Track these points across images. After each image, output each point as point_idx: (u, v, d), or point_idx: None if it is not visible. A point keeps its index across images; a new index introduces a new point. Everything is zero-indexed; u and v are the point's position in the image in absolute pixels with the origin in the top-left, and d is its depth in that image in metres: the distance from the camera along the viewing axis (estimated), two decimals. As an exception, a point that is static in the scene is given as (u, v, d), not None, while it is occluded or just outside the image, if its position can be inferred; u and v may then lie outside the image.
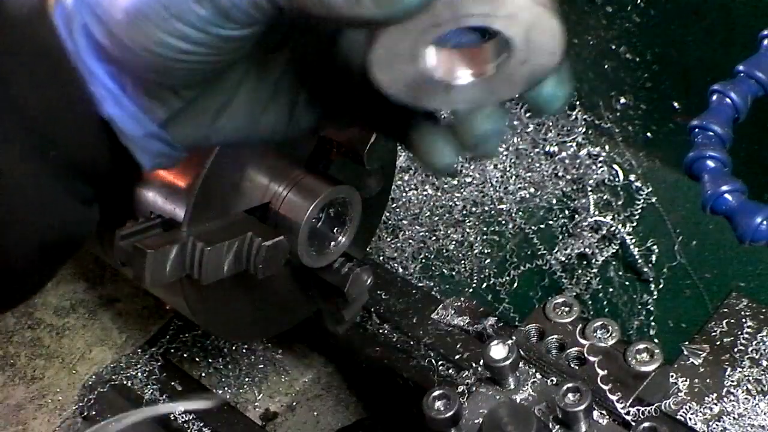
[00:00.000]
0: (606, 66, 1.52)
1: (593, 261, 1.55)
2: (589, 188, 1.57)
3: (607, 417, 0.85)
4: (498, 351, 0.85)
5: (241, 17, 0.62)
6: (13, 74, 0.66)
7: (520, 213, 1.58)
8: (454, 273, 1.50)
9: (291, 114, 0.76)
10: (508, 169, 1.58)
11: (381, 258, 1.45)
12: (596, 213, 1.57)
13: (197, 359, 1.41)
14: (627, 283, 1.56)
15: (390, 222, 1.49)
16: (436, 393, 0.84)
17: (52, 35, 0.66)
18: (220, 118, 0.72)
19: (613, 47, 1.50)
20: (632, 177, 1.56)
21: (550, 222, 1.60)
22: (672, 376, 0.89)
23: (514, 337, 0.89)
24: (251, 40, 0.65)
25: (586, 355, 0.86)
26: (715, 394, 0.89)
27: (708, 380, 0.89)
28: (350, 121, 0.80)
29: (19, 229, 0.70)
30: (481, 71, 0.65)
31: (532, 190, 1.60)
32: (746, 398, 0.88)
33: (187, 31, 0.63)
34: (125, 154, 0.70)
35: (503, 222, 1.55)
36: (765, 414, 0.87)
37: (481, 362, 0.89)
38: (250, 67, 0.72)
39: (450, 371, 1.19)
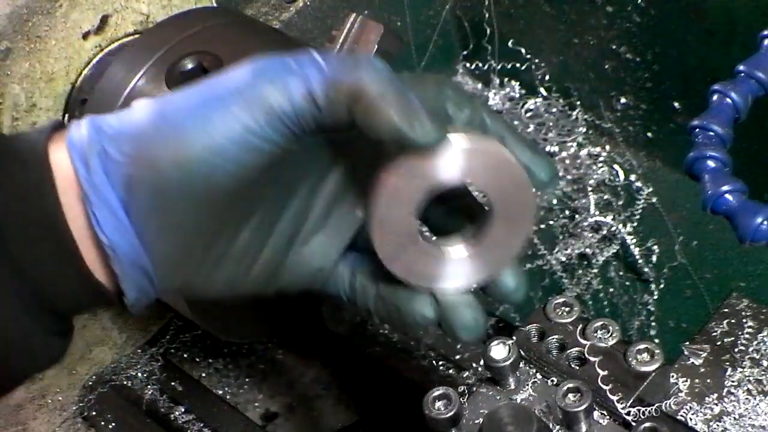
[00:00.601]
0: (606, 66, 1.52)
1: (594, 261, 1.55)
2: (590, 188, 1.57)
3: (608, 417, 0.85)
4: (498, 351, 0.85)
5: (290, 124, 0.65)
6: (9, 229, 0.66)
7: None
8: (454, 273, 1.49)
9: (280, 267, 0.75)
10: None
11: (381, 258, 1.45)
12: (596, 213, 1.57)
13: (197, 359, 1.41)
14: (627, 283, 1.56)
15: (390, 222, 1.49)
16: (437, 393, 0.83)
17: (51, 193, 0.66)
18: (208, 270, 0.72)
19: (613, 47, 1.49)
20: (633, 177, 1.56)
21: (550, 222, 1.59)
22: (672, 376, 0.89)
23: (514, 337, 0.89)
24: (280, 160, 0.67)
25: (586, 355, 0.86)
26: (716, 395, 0.88)
27: (708, 380, 0.89)
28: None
29: None
30: (471, 240, 0.73)
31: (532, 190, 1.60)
32: (747, 398, 0.88)
33: (223, 143, 0.64)
34: (109, 299, 0.71)
35: (503, 222, 1.55)
36: (766, 414, 0.87)
37: (482, 362, 0.88)
38: (245, 221, 0.72)
39: (450, 371, 1.19)
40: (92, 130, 0.67)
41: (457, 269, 0.73)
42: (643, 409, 0.84)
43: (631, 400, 0.84)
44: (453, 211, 0.76)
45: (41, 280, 0.68)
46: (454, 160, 0.68)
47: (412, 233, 0.70)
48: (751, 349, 0.91)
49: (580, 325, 0.89)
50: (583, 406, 0.81)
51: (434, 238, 0.75)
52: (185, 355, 1.39)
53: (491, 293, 0.76)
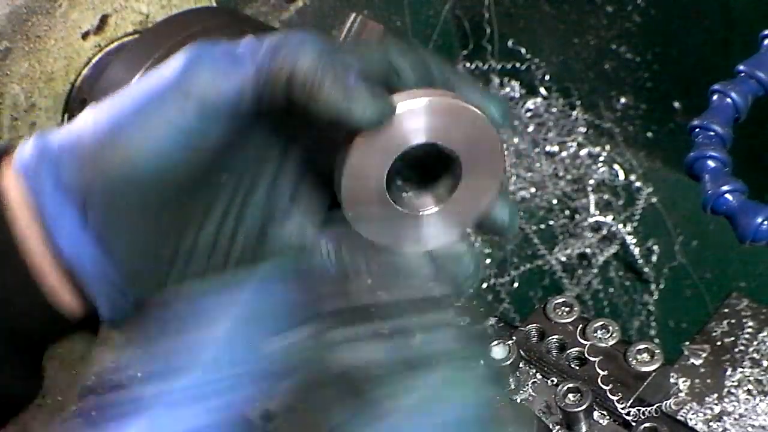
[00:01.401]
0: (606, 66, 1.52)
1: (593, 261, 1.55)
2: (589, 188, 1.57)
3: (608, 417, 0.85)
4: (498, 351, 0.85)
5: (226, 117, 0.63)
6: None
7: (520, 213, 1.58)
8: (454, 273, 1.49)
9: (259, 253, 0.73)
10: (508, 169, 1.58)
11: (381, 258, 1.45)
12: (596, 213, 1.57)
13: (197, 359, 1.41)
14: (627, 283, 1.56)
15: (390, 222, 1.49)
16: (436, 393, 0.83)
17: (3, 218, 0.65)
18: (181, 268, 0.70)
19: (613, 47, 1.49)
20: (633, 177, 1.56)
21: (550, 222, 1.59)
22: (672, 376, 0.89)
23: (514, 338, 0.89)
24: (223, 147, 0.65)
25: (586, 355, 0.86)
26: (716, 395, 0.88)
27: (708, 380, 0.89)
28: None
29: None
30: (441, 197, 0.71)
31: (532, 190, 1.60)
32: (747, 398, 0.88)
33: (163, 146, 0.63)
34: (73, 322, 0.70)
35: (503, 222, 1.55)
36: (766, 414, 0.87)
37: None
38: (210, 214, 0.71)
39: (450, 371, 1.19)
40: (39, 147, 0.66)
41: (431, 227, 0.72)
42: (643, 409, 0.84)
43: (631, 400, 0.84)
44: (427, 172, 0.75)
45: (7, 316, 0.67)
46: (408, 125, 0.67)
47: (382, 201, 0.69)
48: (751, 349, 0.91)
49: (580, 325, 0.89)
50: (583, 406, 0.81)
51: (407, 194, 0.74)
52: (185, 355, 1.39)
53: (485, 229, 0.73)
